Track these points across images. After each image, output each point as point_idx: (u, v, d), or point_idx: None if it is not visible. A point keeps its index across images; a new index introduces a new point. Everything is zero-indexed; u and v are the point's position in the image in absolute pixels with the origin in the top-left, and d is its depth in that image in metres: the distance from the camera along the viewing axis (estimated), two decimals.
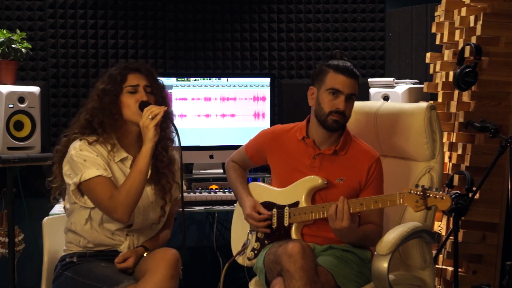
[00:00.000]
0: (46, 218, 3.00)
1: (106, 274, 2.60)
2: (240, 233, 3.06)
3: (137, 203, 2.62)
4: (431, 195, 2.52)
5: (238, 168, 3.14)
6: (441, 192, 2.50)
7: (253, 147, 3.08)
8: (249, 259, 2.94)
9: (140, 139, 2.72)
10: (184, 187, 2.88)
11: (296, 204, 2.85)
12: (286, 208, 2.86)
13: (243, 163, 3.15)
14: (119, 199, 2.56)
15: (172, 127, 2.73)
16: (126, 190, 2.57)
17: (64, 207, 2.78)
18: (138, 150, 2.73)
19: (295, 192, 2.86)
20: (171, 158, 2.80)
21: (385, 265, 2.63)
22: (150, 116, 2.59)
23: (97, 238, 2.69)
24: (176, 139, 2.71)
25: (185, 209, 3.20)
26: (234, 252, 3.06)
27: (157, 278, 2.51)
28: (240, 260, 3.00)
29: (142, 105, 2.65)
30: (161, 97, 2.74)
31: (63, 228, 2.82)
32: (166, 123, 2.71)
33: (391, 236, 2.70)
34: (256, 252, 2.92)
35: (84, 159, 2.60)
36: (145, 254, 2.73)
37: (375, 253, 2.68)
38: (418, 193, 2.53)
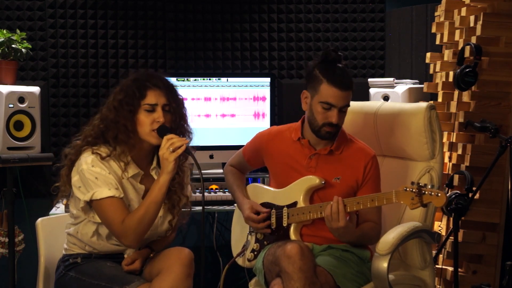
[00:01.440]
0: (40, 219, 2.96)
1: (114, 274, 2.59)
2: (240, 235, 3.06)
3: (148, 230, 2.57)
4: (426, 192, 2.52)
5: (235, 172, 3.14)
6: (436, 189, 2.51)
7: (250, 150, 3.08)
8: (248, 260, 2.94)
9: (151, 154, 2.69)
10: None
11: (294, 204, 2.84)
12: (285, 208, 2.86)
13: (241, 167, 3.15)
14: (131, 226, 2.51)
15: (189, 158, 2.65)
16: (139, 218, 2.51)
17: (67, 208, 2.75)
18: (149, 164, 2.70)
19: (293, 192, 2.86)
20: (182, 173, 2.75)
21: (385, 265, 2.63)
22: (171, 149, 2.51)
23: (104, 247, 2.67)
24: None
25: (185, 210, 3.20)
26: (234, 253, 3.06)
27: (174, 277, 2.51)
28: (240, 261, 3.01)
29: (162, 131, 2.56)
30: (179, 115, 2.65)
31: (60, 228, 2.79)
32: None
33: (391, 236, 2.70)
34: (255, 253, 2.92)
35: (96, 177, 2.53)
36: (151, 255, 2.73)
37: (375, 253, 2.69)
38: (414, 190, 2.53)
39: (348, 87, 2.77)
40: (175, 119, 2.64)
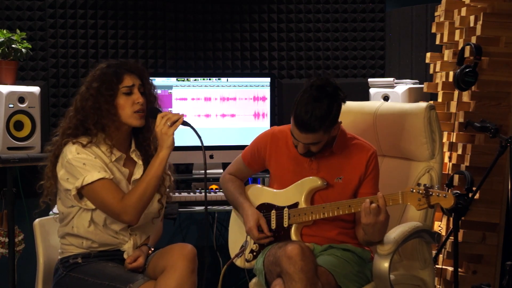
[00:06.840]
0: (37, 220, 2.95)
1: (118, 273, 2.61)
2: (238, 235, 3.04)
3: (147, 205, 2.63)
4: (433, 194, 2.52)
5: (235, 180, 3.09)
6: (444, 191, 2.51)
7: (251, 153, 3.03)
8: (247, 260, 2.93)
9: (129, 138, 2.75)
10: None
11: (295, 205, 2.84)
12: (286, 209, 2.86)
13: (240, 173, 3.10)
14: (131, 202, 2.57)
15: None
16: (139, 194, 2.58)
17: (54, 211, 2.75)
18: (128, 148, 2.75)
19: (295, 193, 2.85)
20: None
21: (386, 265, 2.64)
22: (168, 123, 2.60)
23: (102, 238, 2.68)
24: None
25: (185, 209, 3.21)
26: (232, 254, 3.05)
27: (179, 274, 2.53)
28: (238, 262, 2.99)
29: (153, 112, 2.66)
30: (153, 96, 2.76)
31: (56, 231, 2.79)
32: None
33: (392, 236, 2.70)
34: (254, 253, 2.91)
35: (84, 163, 2.58)
36: (150, 252, 2.75)
37: (376, 253, 2.69)
38: (421, 191, 2.54)
39: (309, 130, 2.66)
40: (150, 100, 2.74)
